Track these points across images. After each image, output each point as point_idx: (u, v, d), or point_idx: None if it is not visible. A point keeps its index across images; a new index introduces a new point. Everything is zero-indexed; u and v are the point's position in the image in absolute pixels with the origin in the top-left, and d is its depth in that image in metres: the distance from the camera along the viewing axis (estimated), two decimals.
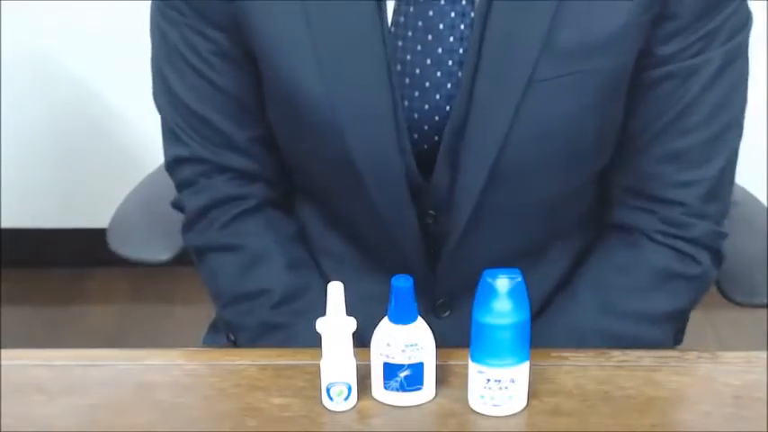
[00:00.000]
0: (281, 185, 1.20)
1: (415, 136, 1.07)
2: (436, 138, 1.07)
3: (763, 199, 1.44)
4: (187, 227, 1.19)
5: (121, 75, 2.32)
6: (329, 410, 0.97)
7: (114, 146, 2.50)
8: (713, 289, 1.24)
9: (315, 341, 0.99)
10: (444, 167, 1.08)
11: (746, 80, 1.10)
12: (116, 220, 1.38)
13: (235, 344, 1.21)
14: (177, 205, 1.20)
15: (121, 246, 1.34)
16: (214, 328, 1.31)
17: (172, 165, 1.18)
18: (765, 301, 1.23)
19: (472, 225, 1.09)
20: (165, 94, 1.14)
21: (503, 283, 0.92)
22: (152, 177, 1.45)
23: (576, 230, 1.19)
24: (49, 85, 2.45)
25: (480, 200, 1.07)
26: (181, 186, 1.19)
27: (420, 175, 1.09)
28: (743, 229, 1.27)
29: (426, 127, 1.06)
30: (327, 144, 1.08)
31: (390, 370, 0.95)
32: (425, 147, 1.08)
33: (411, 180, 1.08)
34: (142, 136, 2.39)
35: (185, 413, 0.98)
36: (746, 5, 1.07)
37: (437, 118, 1.06)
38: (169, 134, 1.16)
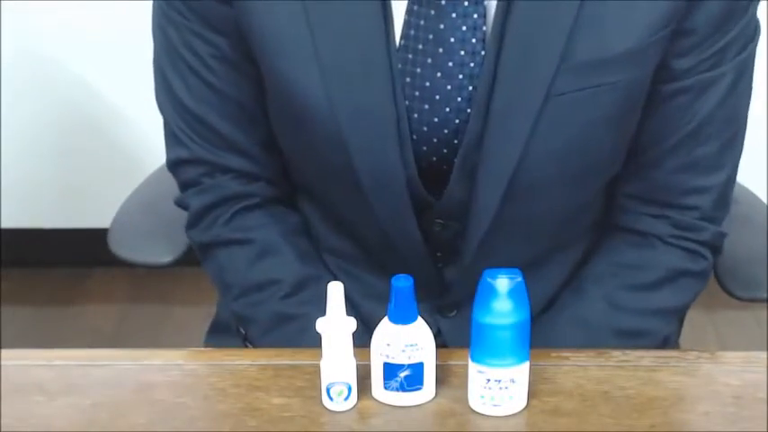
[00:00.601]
0: (283, 185, 1.20)
1: (424, 148, 1.07)
2: (445, 150, 1.07)
3: (763, 199, 1.44)
4: (191, 224, 1.19)
5: (121, 75, 2.33)
6: (329, 410, 0.97)
7: (114, 146, 2.50)
8: (714, 289, 1.24)
9: None
10: (460, 181, 1.08)
11: (751, 91, 1.12)
12: (117, 222, 1.38)
13: (245, 338, 1.21)
14: (180, 204, 1.20)
15: (123, 249, 1.33)
16: (215, 329, 1.31)
17: (173, 165, 1.18)
18: (765, 295, 1.24)
19: (486, 237, 1.09)
20: (165, 95, 1.14)
21: (503, 283, 0.92)
22: (152, 178, 1.45)
23: (581, 237, 1.20)
24: (49, 85, 2.44)
25: (497, 213, 1.07)
26: (184, 186, 1.19)
27: (425, 187, 1.09)
28: (743, 226, 1.29)
29: (435, 140, 1.07)
30: (328, 149, 1.07)
31: (390, 370, 0.95)
32: (434, 159, 1.08)
33: (413, 192, 1.08)
34: (142, 136, 2.39)
35: (185, 413, 0.98)
36: (756, 18, 1.08)
37: (446, 131, 1.06)
38: (170, 135, 1.17)
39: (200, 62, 1.10)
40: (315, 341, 1.01)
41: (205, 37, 1.08)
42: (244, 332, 1.21)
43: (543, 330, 1.14)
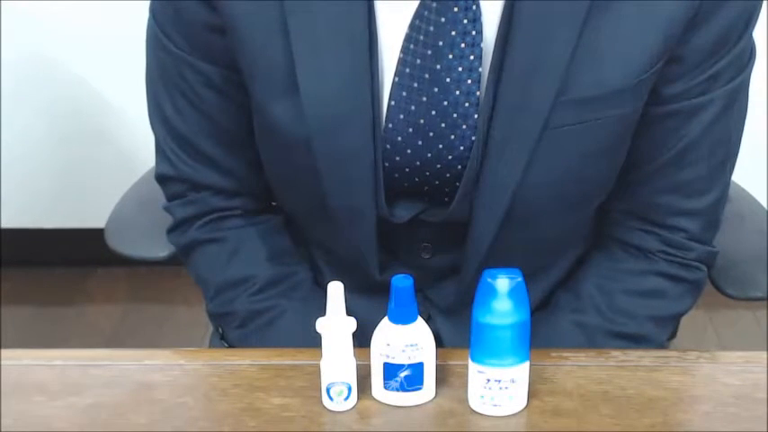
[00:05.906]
0: (266, 198, 1.23)
1: (416, 179, 1.09)
2: (437, 182, 1.09)
3: (763, 199, 1.44)
4: (171, 229, 1.23)
5: (121, 75, 2.32)
6: (329, 410, 0.97)
7: (114, 146, 2.50)
8: (714, 289, 1.25)
9: (296, 324, 1.03)
10: (457, 211, 1.09)
11: (746, 114, 1.12)
12: (114, 217, 1.39)
13: (222, 336, 1.22)
14: (167, 211, 1.23)
15: (119, 243, 1.34)
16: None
17: (160, 179, 1.22)
18: (759, 294, 1.24)
19: (484, 262, 1.10)
20: (155, 112, 1.17)
21: (503, 283, 0.92)
22: (149, 175, 1.45)
23: (577, 245, 1.22)
24: (49, 86, 2.45)
25: (494, 239, 1.09)
26: (171, 198, 1.22)
27: (422, 218, 1.12)
28: (738, 225, 1.30)
29: (428, 173, 1.08)
30: (304, 183, 1.10)
31: (390, 370, 0.95)
32: (426, 189, 1.10)
33: (383, 230, 1.11)
34: (143, 136, 2.36)
35: (185, 413, 0.98)
36: (751, 45, 1.07)
37: (439, 165, 1.07)
38: (159, 150, 1.19)
39: (190, 88, 1.11)
40: (285, 331, 1.01)
41: (196, 66, 1.10)
42: (221, 331, 1.23)
43: (541, 330, 1.15)
